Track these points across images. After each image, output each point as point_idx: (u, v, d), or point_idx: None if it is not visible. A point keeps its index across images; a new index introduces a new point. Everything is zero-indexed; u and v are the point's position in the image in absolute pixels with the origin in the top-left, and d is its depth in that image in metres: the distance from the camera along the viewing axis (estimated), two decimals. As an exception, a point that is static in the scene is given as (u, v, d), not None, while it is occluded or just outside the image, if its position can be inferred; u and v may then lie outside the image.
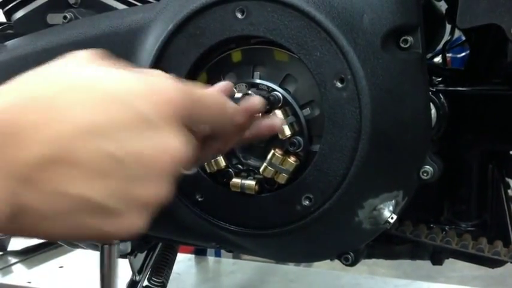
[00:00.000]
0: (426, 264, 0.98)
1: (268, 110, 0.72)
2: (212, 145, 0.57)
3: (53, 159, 0.37)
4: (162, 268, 1.35)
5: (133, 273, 1.36)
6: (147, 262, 1.36)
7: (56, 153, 0.37)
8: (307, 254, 0.88)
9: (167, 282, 1.35)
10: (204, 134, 0.54)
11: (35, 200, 0.37)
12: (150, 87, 0.42)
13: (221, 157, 0.75)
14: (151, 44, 0.79)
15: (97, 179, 0.38)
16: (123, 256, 1.27)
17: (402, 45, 0.69)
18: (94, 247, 1.21)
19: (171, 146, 0.42)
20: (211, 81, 0.77)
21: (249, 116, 0.58)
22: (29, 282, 1.82)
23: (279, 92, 0.72)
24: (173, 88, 0.44)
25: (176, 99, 0.43)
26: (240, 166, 0.77)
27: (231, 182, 0.76)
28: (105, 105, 0.39)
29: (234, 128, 0.56)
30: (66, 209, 0.38)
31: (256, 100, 0.60)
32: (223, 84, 0.63)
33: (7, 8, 1.05)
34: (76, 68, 0.43)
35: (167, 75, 0.45)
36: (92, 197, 0.38)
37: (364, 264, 0.94)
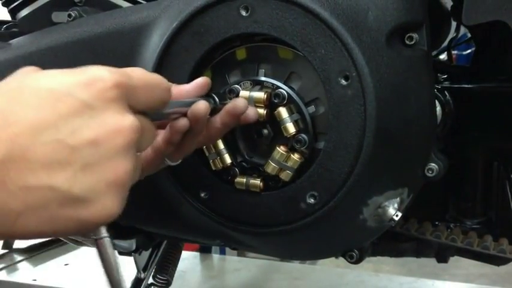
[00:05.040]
0: (431, 261, 0.97)
1: (271, 108, 0.72)
2: (192, 138, 0.62)
3: (11, 158, 0.39)
4: (167, 266, 1.35)
5: (138, 270, 1.36)
6: (152, 260, 1.36)
7: (11, 151, 0.39)
8: (311, 252, 0.88)
9: (172, 279, 1.35)
10: (180, 128, 0.59)
11: (4, 199, 0.39)
12: (88, 77, 0.44)
13: (226, 155, 0.75)
14: (155, 42, 0.78)
15: (56, 169, 0.41)
16: (128, 254, 1.28)
17: (407, 42, 0.69)
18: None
19: (120, 124, 0.44)
20: (215, 78, 0.77)
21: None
22: (34, 280, 1.83)
23: (284, 89, 0.72)
24: (109, 74, 0.46)
25: (113, 84, 0.45)
26: (244, 164, 0.77)
27: (235, 180, 0.76)
28: (49, 101, 0.42)
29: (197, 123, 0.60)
30: (36, 202, 0.40)
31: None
32: (199, 80, 0.65)
33: (12, 6, 1.05)
34: (21, 77, 0.46)
35: (104, 67, 0.47)
36: (56, 186, 0.41)
37: (369, 261, 0.94)
